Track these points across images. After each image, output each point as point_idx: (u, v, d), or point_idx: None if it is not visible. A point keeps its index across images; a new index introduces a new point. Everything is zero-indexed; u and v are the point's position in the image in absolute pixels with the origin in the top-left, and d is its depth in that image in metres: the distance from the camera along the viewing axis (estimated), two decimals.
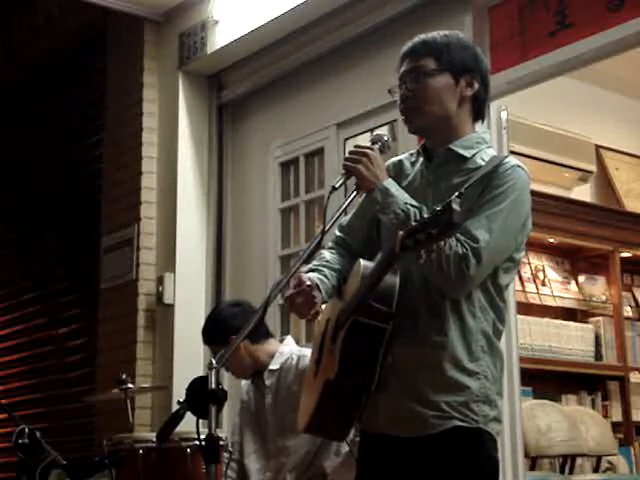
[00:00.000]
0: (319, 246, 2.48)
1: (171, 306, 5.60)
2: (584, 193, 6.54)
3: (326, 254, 2.62)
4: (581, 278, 6.32)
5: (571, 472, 5.38)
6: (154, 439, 3.58)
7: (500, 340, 2.47)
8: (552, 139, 6.15)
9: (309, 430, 2.51)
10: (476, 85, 2.52)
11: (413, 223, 2.11)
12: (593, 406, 6.01)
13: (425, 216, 2.10)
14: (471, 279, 2.31)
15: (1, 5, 7.15)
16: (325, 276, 2.51)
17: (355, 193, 2.46)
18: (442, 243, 2.14)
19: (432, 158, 2.54)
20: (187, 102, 5.83)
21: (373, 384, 2.35)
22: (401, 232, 2.13)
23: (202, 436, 2.43)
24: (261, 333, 3.81)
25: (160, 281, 5.66)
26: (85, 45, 6.74)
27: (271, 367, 3.80)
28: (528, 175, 2.46)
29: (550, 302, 6.07)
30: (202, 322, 3.97)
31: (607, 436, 5.62)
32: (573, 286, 6.27)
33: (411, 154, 2.63)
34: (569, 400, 5.94)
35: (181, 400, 2.49)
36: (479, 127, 2.60)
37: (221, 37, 5.55)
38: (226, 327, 3.72)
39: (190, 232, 5.72)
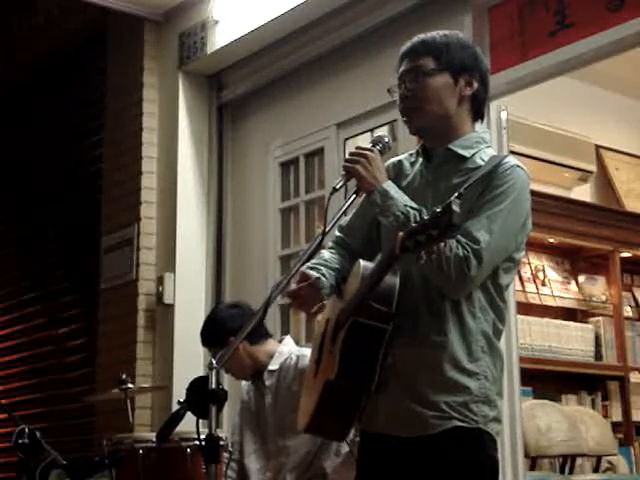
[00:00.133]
0: (319, 247, 2.48)
1: (171, 306, 5.60)
2: (584, 193, 6.54)
3: (325, 254, 2.62)
4: (581, 278, 6.32)
5: (571, 472, 5.38)
6: (154, 439, 3.58)
7: (500, 340, 2.47)
8: (552, 139, 6.15)
9: (309, 430, 2.51)
10: (475, 84, 2.52)
11: (413, 224, 2.11)
12: (593, 406, 6.01)
13: (425, 217, 2.09)
14: (472, 280, 2.32)
15: (1, 5, 7.15)
16: (323, 275, 2.51)
17: (355, 194, 2.47)
18: (442, 244, 2.14)
19: (431, 158, 2.54)
20: (187, 102, 5.83)
21: (373, 384, 2.36)
22: (401, 233, 2.13)
23: (202, 436, 2.43)
24: (260, 334, 3.81)
25: (160, 281, 5.66)
26: (85, 45, 6.74)
27: (270, 367, 3.80)
28: (528, 175, 2.46)
29: (550, 302, 6.07)
30: (202, 322, 3.97)
31: (607, 436, 5.62)
32: (573, 286, 6.27)
33: (410, 154, 2.63)
34: (569, 400, 5.94)
35: (181, 400, 2.49)
36: (479, 127, 2.60)
37: (221, 37, 5.55)
38: (225, 328, 3.72)
39: (190, 232, 5.72)
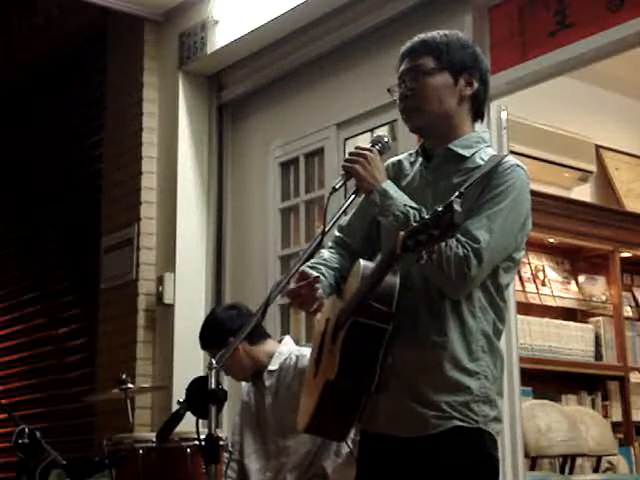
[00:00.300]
0: (319, 247, 2.48)
1: (171, 306, 5.60)
2: (584, 193, 6.54)
3: (325, 253, 2.62)
4: (581, 278, 6.32)
5: (571, 472, 5.38)
6: (154, 439, 3.59)
7: (500, 340, 2.47)
8: (552, 139, 6.15)
9: (309, 430, 2.51)
10: (475, 84, 2.52)
11: (414, 224, 2.11)
12: (593, 406, 6.01)
13: (425, 217, 2.09)
14: (472, 280, 2.32)
15: (1, 5, 7.15)
16: (322, 274, 2.51)
17: (355, 194, 2.47)
18: (443, 244, 2.14)
19: (431, 158, 2.54)
20: (187, 102, 5.83)
21: (373, 384, 2.35)
22: (402, 233, 2.13)
23: (202, 436, 2.43)
24: (259, 334, 3.81)
25: (160, 281, 5.66)
26: (85, 45, 6.74)
27: (270, 368, 3.80)
28: (527, 174, 2.46)
29: (550, 302, 6.06)
30: (202, 323, 3.97)
31: (607, 436, 5.62)
32: (573, 286, 6.27)
33: (410, 154, 2.63)
34: (569, 400, 5.94)
35: (181, 400, 2.49)
36: (478, 127, 2.60)
37: (221, 37, 5.55)
38: (224, 330, 3.72)
39: (190, 232, 5.72)
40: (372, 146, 2.50)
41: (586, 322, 6.17)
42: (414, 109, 2.50)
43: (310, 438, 3.54)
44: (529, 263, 6.04)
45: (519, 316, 4.83)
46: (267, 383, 3.79)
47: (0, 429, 6.71)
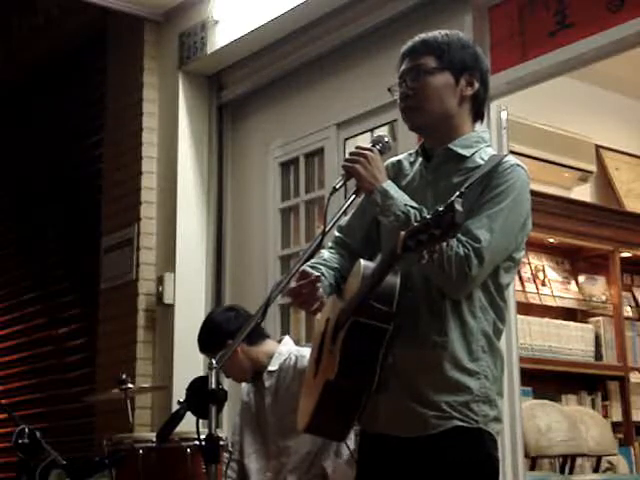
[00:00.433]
0: (319, 247, 2.48)
1: (171, 306, 5.60)
2: (584, 193, 6.54)
3: (325, 253, 2.62)
4: (581, 278, 6.32)
5: (571, 472, 5.38)
6: (154, 439, 3.58)
7: (500, 340, 2.47)
8: (552, 139, 6.15)
9: (309, 430, 2.51)
10: (476, 84, 2.52)
11: (415, 224, 2.11)
12: (593, 406, 6.00)
13: (426, 216, 2.09)
14: (473, 279, 2.32)
15: (1, 5, 7.15)
16: (322, 274, 2.51)
17: (355, 194, 2.47)
18: (443, 243, 2.14)
19: (431, 158, 2.54)
20: (187, 102, 5.83)
21: (373, 384, 2.35)
22: (403, 232, 2.13)
23: (202, 436, 2.43)
24: (258, 334, 3.80)
25: (160, 281, 5.66)
26: (85, 45, 6.74)
27: (270, 368, 3.79)
28: (527, 174, 2.46)
29: (550, 302, 6.06)
30: (200, 325, 3.96)
31: (607, 436, 5.62)
32: (573, 286, 6.27)
33: (410, 154, 2.63)
34: (569, 400, 5.94)
35: (181, 400, 2.49)
36: (478, 127, 2.60)
37: (221, 37, 5.55)
38: (222, 332, 3.72)
39: (190, 232, 5.72)
40: (373, 146, 2.50)
41: (586, 322, 6.17)
42: (415, 108, 2.50)
43: (310, 438, 3.54)
44: (529, 263, 6.04)
45: (519, 316, 4.83)
46: (267, 384, 3.79)
47: (0, 429, 6.71)
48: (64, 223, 6.95)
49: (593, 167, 6.50)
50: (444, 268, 2.28)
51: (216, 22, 5.55)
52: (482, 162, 2.44)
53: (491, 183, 2.38)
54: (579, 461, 5.56)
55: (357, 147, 2.49)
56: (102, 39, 6.46)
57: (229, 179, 5.86)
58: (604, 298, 6.29)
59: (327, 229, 2.40)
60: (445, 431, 2.34)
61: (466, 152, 2.48)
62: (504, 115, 4.46)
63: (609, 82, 6.37)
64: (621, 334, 6.15)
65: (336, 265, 2.58)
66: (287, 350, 3.84)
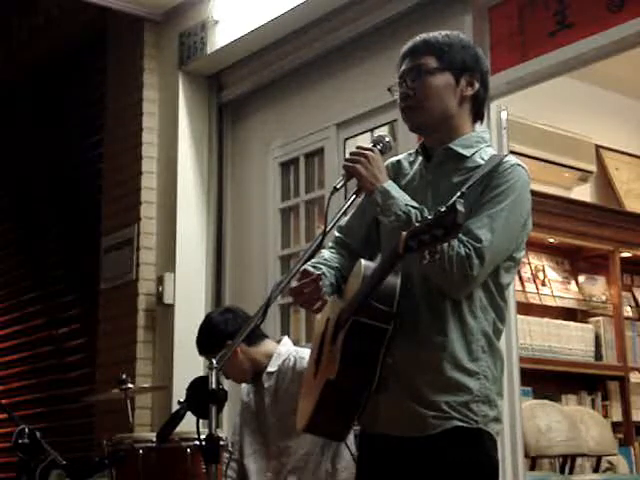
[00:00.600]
0: (320, 247, 2.48)
1: (171, 306, 5.60)
2: (584, 193, 6.54)
3: (325, 253, 2.62)
4: (581, 278, 6.32)
5: (571, 472, 5.38)
6: (154, 439, 3.58)
7: (500, 340, 2.47)
8: (552, 139, 6.15)
9: (308, 430, 2.51)
10: (476, 85, 2.53)
11: (416, 224, 2.11)
12: (593, 406, 6.00)
13: (428, 217, 2.09)
14: (474, 279, 2.31)
15: (1, 5, 7.15)
16: (323, 273, 2.51)
17: (355, 194, 2.47)
18: (445, 243, 2.14)
19: (431, 157, 2.54)
20: (187, 102, 5.83)
21: (373, 384, 2.35)
22: (404, 233, 2.13)
23: (202, 436, 2.43)
24: (256, 335, 3.80)
25: (160, 281, 5.66)
26: (85, 45, 6.74)
27: (269, 369, 3.79)
28: (528, 174, 2.46)
29: (550, 302, 6.06)
30: (198, 328, 3.95)
31: (607, 436, 5.62)
32: (573, 286, 6.27)
33: (409, 154, 2.64)
34: (569, 400, 5.94)
35: (181, 400, 2.49)
36: (478, 127, 2.60)
37: (221, 37, 5.55)
38: (221, 333, 3.72)
39: (190, 232, 5.72)
40: (373, 146, 2.50)
41: (586, 322, 6.17)
42: (415, 108, 2.50)
43: (311, 439, 3.54)
44: (529, 263, 6.04)
45: (519, 316, 4.83)
46: (266, 384, 3.78)
47: (0, 429, 6.71)
48: (64, 223, 6.95)
49: (593, 167, 6.50)
50: (445, 268, 2.28)
51: (216, 22, 5.55)
52: (482, 162, 2.44)
53: (492, 183, 2.38)
54: (579, 461, 5.56)
55: (358, 147, 2.49)
56: (102, 39, 6.46)
57: (229, 179, 5.86)
58: (604, 298, 6.29)
59: (327, 229, 2.41)
60: (445, 431, 2.34)
61: (466, 152, 2.48)
62: (504, 115, 4.46)
63: (609, 82, 6.37)
64: (621, 334, 6.15)
65: (337, 265, 2.58)
66: (286, 351, 3.83)
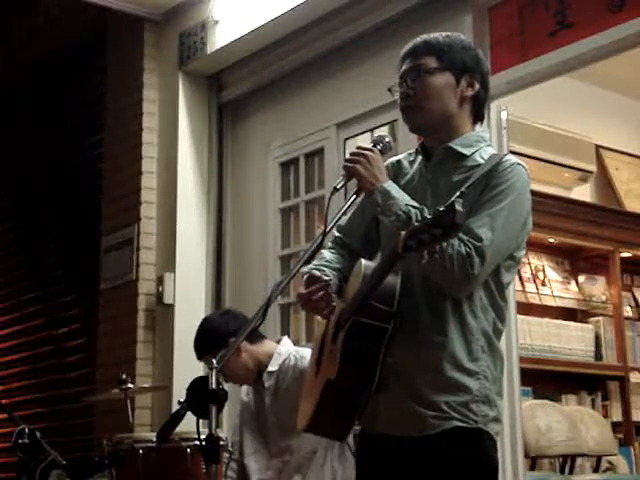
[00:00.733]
0: (320, 247, 2.48)
1: (171, 306, 5.60)
2: (584, 193, 6.54)
3: (326, 254, 2.62)
4: (581, 278, 6.32)
5: (571, 472, 5.38)
6: (154, 439, 3.58)
7: (500, 340, 2.47)
8: (552, 139, 6.15)
9: (309, 430, 2.51)
10: (477, 86, 2.53)
11: (415, 223, 2.11)
12: (593, 406, 6.00)
13: (427, 216, 2.09)
14: (475, 278, 2.31)
15: (1, 5, 7.15)
16: (327, 276, 2.51)
17: (355, 195, 2.47)
18: (445, 243, 2.14)
19: (431, 157, 2.54)
20: (187, 102, 5.83)
21: (373, 384, 2.36)
22: (403, 232, 2.13)
23: (202, 436, 2.43)
24: (255, 335, 3.79)
25: (160, 281, 5.66)
26: (85, 45, 6.74)
27: (270, 369, 3.78)
28: (528, 173, 2.46)
29: (550, 302, 6.06)
30: (196, 331, 3.94)
31: (607, 436, 5.62)
32: (573, 286, 6.27)
33: (409, 154, 2.64)
34: (569, 400, 5.94)
35: (181, 400, 2.49)
36: (478, 127, 2.61)
37: (221, 37, 5.55)
38: (222, 332, 3.71)
39: (190, 232, 5.72)
40: (373, 146, 2.50)
41: (586, 322, 6.17)
42: (415, 108, 2.50)
43: (314, 437, 3.53)
44: (529, 263, 6.04)
45: (519, 316, 4.83)
46: (266, 384, 3.78)
47: (0, 429, 6.71)
48: (64, 223, 6.95)
49: (593, 167, 6.50)
50: (446, 267, 2.28)
51: (216, 22, 5.55)
52: (482, 161, 2.44)
53: (491, 182, 2.38)
54: (579, 461, 5.56)
55: (358, 147, 2.49)
56: (102, 39, 6.46)
57: (229, 179, 5.86)
58: (604, 298, 6.29)
59: (327, 229, 2.41)
60: (444, 431, 2.34)
61: (466, 151, 2.48)
62: (504, 115, 4.46)
63: (609, 82, 6.37)
64: (621, 334, 6.15)
65: (338, 266, 2.58)
66: (286, 350, 3.83)
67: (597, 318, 6.18)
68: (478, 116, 2.57)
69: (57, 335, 6.79)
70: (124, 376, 4.29)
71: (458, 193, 2.06)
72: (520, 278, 5.85)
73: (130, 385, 4.30)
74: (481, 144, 2.51)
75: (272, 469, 3.75)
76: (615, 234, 6.24)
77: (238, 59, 5.69)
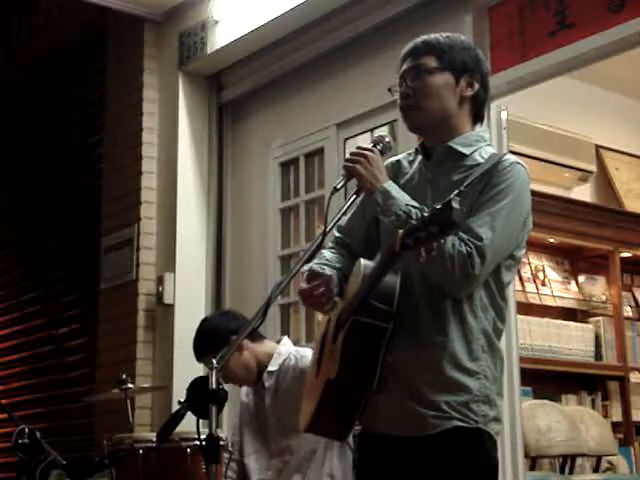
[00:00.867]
0: (320, 247, 2.48)
1: (171, 306, 5.60)
2: (584, 193, 6.54)
3: (326, 253, 2.62)
4: (581, 278, 6.32)
5: (571, 472, 5.38)
6: (154, 439, 3.58)
7: (500, 340, 2.47)
8: (552, 139, 6.15)
9: (310, 430, 2.51)
10: (476, 86, 2.53)
11: (413, 222, 2.11)
12: (593, 406, 6.00)
13: (425, 214, 2.09)
14: (475, 278, 2.31)
15: (1, 5, 7.15)
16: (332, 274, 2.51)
17: (355, 195, 2.47)
18: (442, 241, 2.14)
19: (431, 156, 2.54)
20: (187, 102, 5.83)
21: (374, 384, 2.36)
22: (401, 231, 2.13)
23: (202, 436, 2.43)
24: (256, 334, 3.80)
25: (160, 281, 5.66)
26: (85, 45, 6.74)
27: (270, 368, 3.78)
28: (528, 172, 2.46)
29: (550, 302, 6.06)
30: (195, 331, 3.94)
31: (607, 436, 5.62)
32: (573, 286, 6.27)
33: (409, 153, 2.64)
34: (569, 400, 5.94)
35: (182, 400, 2.49)
36: (478, 128, 2.61)
37: (221, 37, 5.55)
38: (223, 330, 3.70)
39: (190, 232, 5.72)
40: (373, 146, 2.50)
41: (586, 322, 6.17)
42: (414, 107, 2.50)
43: (314, 437, 3.53)
44: (529, 263, 6.04)
45: (519, 316, 4.83)
46: (266, 384, 3.77)
47: (0, 429, 6.71)
48: (64, 223, 6.95)
49: (593, 167, 6.50)
50: (447, 267, 2.28)
51: (216, 22, 5.55)
52: (482, 160, 2.44)
53: (491, 181, 2.38)
54: (579, 461, 5.56)
55: (358, 147, 2.49)
56: (102, 39, 6.46)
57: (229, 179, 5.86)
58: (604, 298, 6.29)
59: (328, 229, 2.41)
60: (444, 431, 2.34)
61: (466, 150, 2.48)
62: (504, 115, 4.46)
63: (609, 82, 6.37)
64: (621, 334, 6.15)
65: (338, 265, 2.58)
66: (286, 350, 3.83)
67: (597, 318, 6.18)
68: (478, 116, 2.57)
69: (57, 335, 6.79)
70: (124, 376, 4.29)
71: (456, 191, 2.07)
72: (520, 278, 5.85)
73: (130, 385, 4.30)
74: (481, 143, 2.51)
75: (272, 469, 3.75)
76: (615, 234, 6.24)
77: (238, 59, 5.69)
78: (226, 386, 2.68)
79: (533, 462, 5.17)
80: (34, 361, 7.04)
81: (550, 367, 5.74)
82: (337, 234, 2.68)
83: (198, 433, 2.47)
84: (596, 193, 6.68)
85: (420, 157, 2.57)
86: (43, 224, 7.21)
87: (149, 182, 5.87)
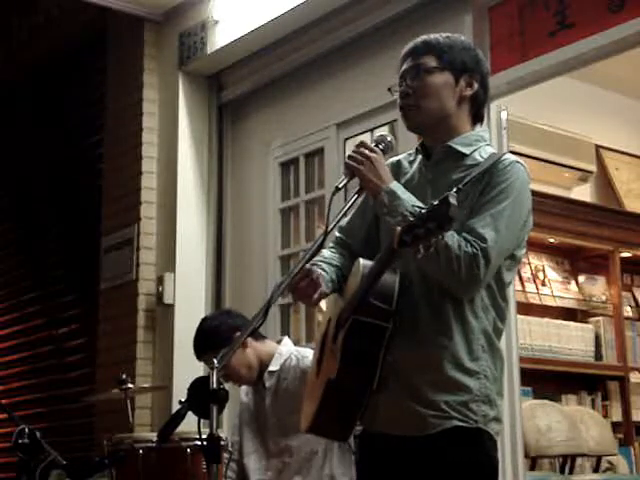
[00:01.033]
0: (321, 247, 2.48)
1: (171, 306, 5.60)
2: (584, 193, 6.54)
3: (325, 252, 2.62)
4: (581, 278, 6.32)
5: (571, 472, 5.37)
6: (154, 439, 3.59)
7: (500, 339, 2.47)
8: (552, 139, 6.15)
9: (312, 430, 2.51)
10: (476, 86, 2.53)
11: (411, 219, 2.11)
12: (593, 406, 6.00)
13: (422, 211, 2.09)
14: (481, 279, 2.31)
15: (1, 5, 7.15)
16: (323, 269, 2.51)
17: (357, 195, 2.47)
18: (448, 243, 2.14)
19: (430, 156, 2.54)
20: (187, 102, 5.83)
21: (374, 383, 2.36)
22: (399, 228, 2.13)
23: (203, 436, 2.42)
24: (257, 334, 3.80)
25: (160, 281, 5.66)
26: (85, 45, 6.74)
27: (271, 368, 3.78)
28: (527, 171, 2.46)
29: (550, 302, 6.06)
30: (195, 331, 3.94)
31: (607, 436, 5.62)
32: (573, 286, 6.27)
33: (409, 154, 2.64)
34: (569, 400, 5.93)
35: (182, 400, 2.49)
36: (478, 128, 2.61)
37: (221, 37, 5.55)
38: (226, 328, 3.71)
39: (190, 232, 5.72)
40: (376, 145, 2.50)
41: (586, 322, 6.16)
42: (413, 107, 2.50)
43: (314, 437, 3.53)
44: (529, 263, 6.04)
45: (519, 316, 4.83)
46: (267, 384, 3.77)
47: (0, 429, 6.71)
48: (64, 223, 6.95)
49: (593, 167, 6.50)
50: (454, 269, 2.27)
51: (216, 22, 5.55)
52: (481, 160, 2.45)
53: (491, 181, 2.38)
54: (579, 461, 5.56)
55: (360, 143, 2.49)
56: (102, 39, 6.46)
57: (229, 179, 5.86)
58: (604, 298, 6.28)
59: (329, 229, 2.41)
60: (444, 431, 2.34)
61: (466, 150, 2.48)
62: (504, 115, 4.46)
63: (609, 82, 6.37)
64: (621, 334, 6.15)
65: (337, 263, 2.58)
66: (287, 350, 3.83)
67: (597, 318, 6.18)
68: (477, 116, 2.57)
69: (57, 335, 6.79)
70: (124, 376, 4.29)
71: (455, 189, 2.07)
72: (520, 278, 5.84)
73: (130, 385, 4.29)
74: (481, 143, 2.52)
75: (272, 469, 3.75)
76: (615, 234, 6.24)
77: (238, 59, 5.70)
78: (226, 386, 2.68)
79: (533, 462, 5.17)
80: (34, 361, 7.05)
81: (550, 367, 5.74)
82: (338, 234, 2.68)
83: (199, 433, 2.46)
84: (596, 193, 6.67)
85: (420, 157, 2.58)
86: (43, 224, 7.21)
87: (149, 182, 5.87)
